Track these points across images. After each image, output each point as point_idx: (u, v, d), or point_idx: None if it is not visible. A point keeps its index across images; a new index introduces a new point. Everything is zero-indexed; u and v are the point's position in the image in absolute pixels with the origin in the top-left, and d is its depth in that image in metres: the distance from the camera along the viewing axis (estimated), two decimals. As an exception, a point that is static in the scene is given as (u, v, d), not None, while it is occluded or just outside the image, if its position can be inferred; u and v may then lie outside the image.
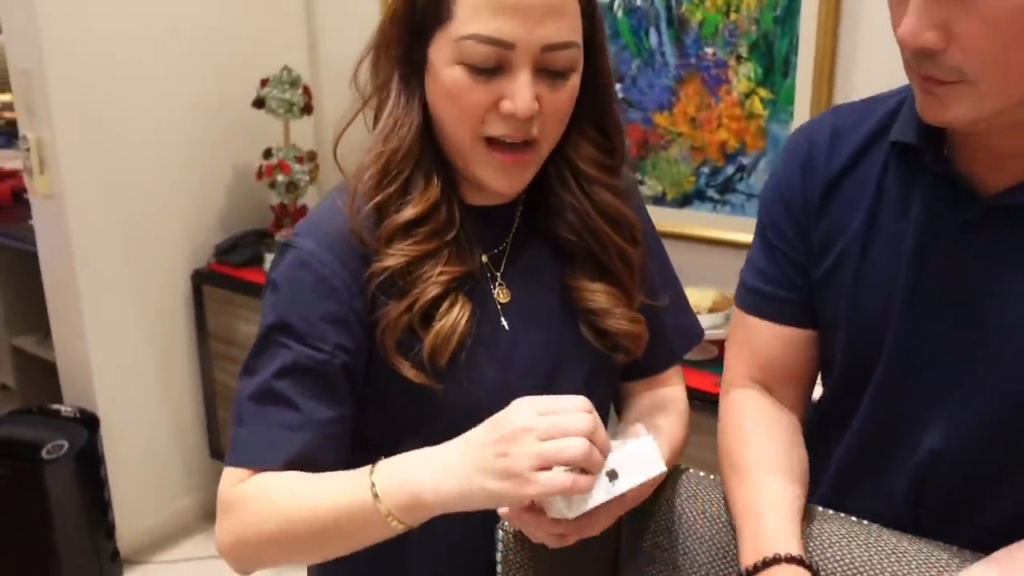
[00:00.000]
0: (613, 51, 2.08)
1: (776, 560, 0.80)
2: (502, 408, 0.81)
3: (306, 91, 2.44)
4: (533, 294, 0.95)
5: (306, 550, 0.83)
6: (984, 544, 0.80)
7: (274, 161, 2.45)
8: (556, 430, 0.72)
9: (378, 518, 0.77)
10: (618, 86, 2.09)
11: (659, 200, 2.11)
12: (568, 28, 0.82)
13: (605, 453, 0.75)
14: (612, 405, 1.08)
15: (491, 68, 0.81)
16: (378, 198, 0.87)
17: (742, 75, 1.92)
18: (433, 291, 0.86)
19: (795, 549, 0.81)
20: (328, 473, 0.83)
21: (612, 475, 0.76)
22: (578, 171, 0.92)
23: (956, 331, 0.82)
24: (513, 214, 0.96)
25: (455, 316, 0.87)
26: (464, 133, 0.85)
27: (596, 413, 0.75)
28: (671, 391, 1.04)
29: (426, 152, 0.88)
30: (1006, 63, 0.69)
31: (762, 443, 0.92)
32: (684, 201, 2.08)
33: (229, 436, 0.89)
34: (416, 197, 0.87)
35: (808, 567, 0.80)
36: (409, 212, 0.87)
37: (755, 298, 0.97)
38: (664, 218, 2.07)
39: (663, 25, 2.00)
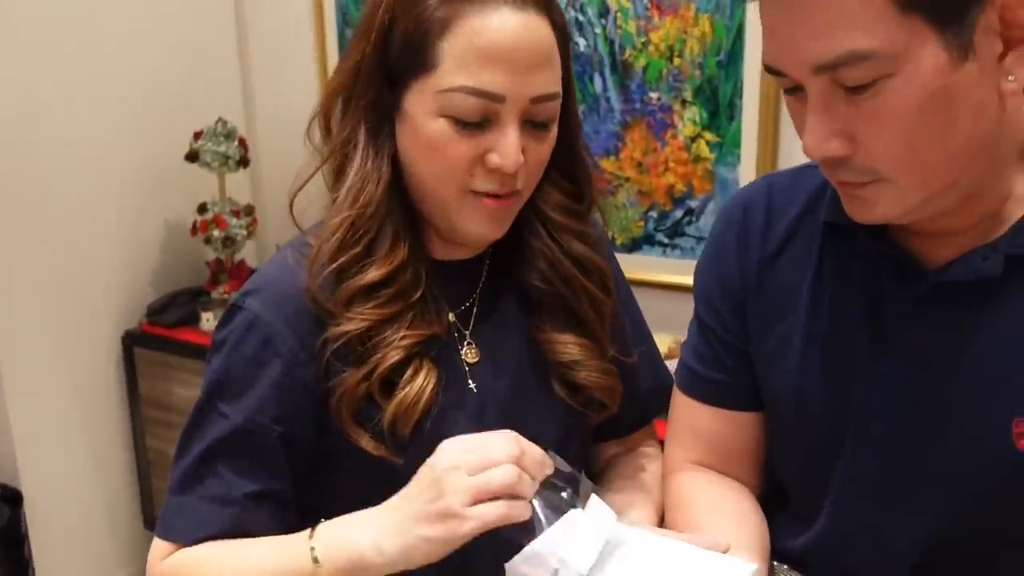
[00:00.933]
0: (557, 97, 2.06)
1: None
2: None
3: (242, 143, 2.37)
4: (502, 352, 0.90)
5: None
6: None
7: (209, 216, 2.36)
8: (483, 462, 0.70)
9: None
10: (563, 132, 2.08)
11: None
12: (554, 79, 0.81)
13: (535, 476, 0.71)
14: (585, 468, 1.02)
15: (478, 121, 0.78)
16: (341, 260, 0.82)
17: (687, 119, 1.92)
18: (395, 356, 0.82)
19: None
20: (265, 538, 0.80)
21: None
22: (547, 218, 0.89)
23: (918, 415, 0.78)
24: (480, 268, 0.92)
25: (420, 384, 0.82)
26: (448, 187, 0.81)
27: (523, 439, 0.72)
28: (647, 454, 0.99)
29: (394, 208, 0.84)
30: (915, 158, 0.68)
31: (717, 524, 0.85)
32: (633, 246, 2.05)
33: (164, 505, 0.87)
34: (380, 258, 0.83)
35: None
36: (372, 274, 0.82)
37: (691, 378, 0.93)
38: (615, 264, 2.05)
39: (607, 71, 1.99)
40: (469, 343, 0.89)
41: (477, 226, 0.83)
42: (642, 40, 1.93)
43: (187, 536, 0.82)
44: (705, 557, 0.74)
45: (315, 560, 0.75)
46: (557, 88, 0.81)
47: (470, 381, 0.88)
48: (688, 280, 1.91)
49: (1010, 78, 0.67)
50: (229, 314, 0.85)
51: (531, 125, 0.80)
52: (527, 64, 0.77)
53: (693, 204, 1.96)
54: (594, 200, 0.93)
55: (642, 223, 2.03)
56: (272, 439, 0.82)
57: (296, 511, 0.86)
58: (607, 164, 2.04)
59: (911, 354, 0.78)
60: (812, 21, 0.65)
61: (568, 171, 0.90)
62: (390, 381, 0.82)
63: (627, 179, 2.03)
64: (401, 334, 0.82)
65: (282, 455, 0.83)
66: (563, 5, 1.99)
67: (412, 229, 0.85)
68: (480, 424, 0.86)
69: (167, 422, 2.36)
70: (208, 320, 2.30)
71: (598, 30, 1.98)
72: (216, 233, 2.35)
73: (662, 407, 1.01)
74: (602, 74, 2.00)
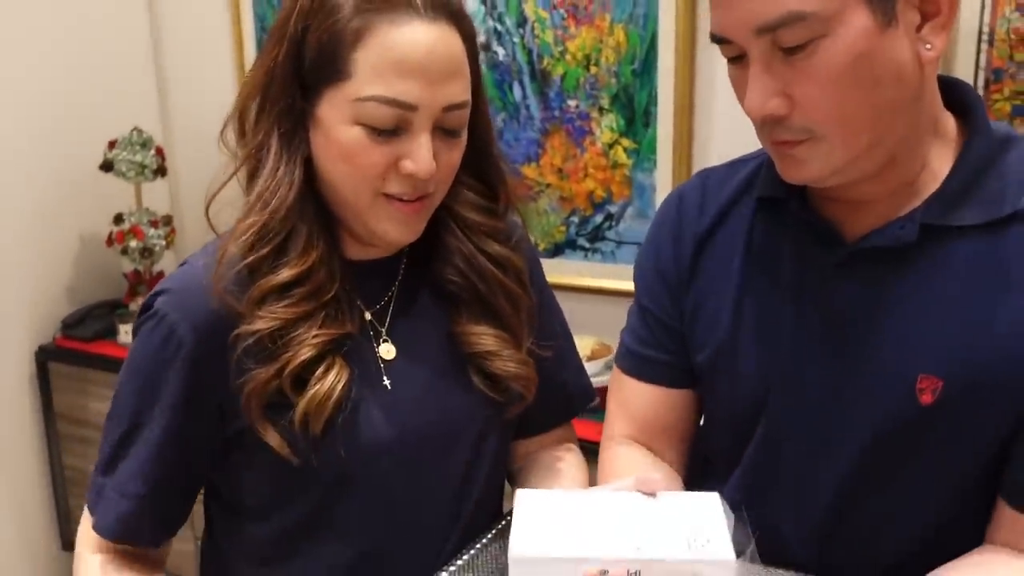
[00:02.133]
0: (478, 105, 2.09)
1: None
2: (379, 475, 0.84)
3: (159, 152, 2.34)
4: (420, 348, 0.92)
5: None
6: None
7: (126, 226, 2.32)
8: None
9: None
10: (484, 140, 2.10)
11: (531, 251, 2.11)
12: (464, 88, 0.84)
13: None
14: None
15: (392, 129, 0.81)
16: (250, 259, 0.83)
17: (605, 126, 1.97)
18: (306, 353, 0.83)
19: None
20: None
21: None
22: (462, 219, 0.92)
23: (835, 371, 0.85)
24: (397, 267, 0.94)
25: (331, 381, 0.83)
26: (361, 192, 0.83)
27: None
28: (567, 450, 1.02)
29: (307, 211, 0.85)
30: (844, 114, 0.75)
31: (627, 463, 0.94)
32: (556, 251, 2.09)
33: (81, 523, 0.92)
34: (294, 259, 0.84)
35: None
36: (285, 273, 0.84)
37: (631, 360, 1.00)
38: (537, 269, 2.08)
39: (526, 79, 2.03)
40: (385, 340, 0.91)
41: (391, 229, 0.85)
42: (559, 49, 1.97)
43: (105, 525, 0.88)
44: (666, 496, 0.75)
45: None
46: (467, 96, 0.84)
47: (385, 378, 0.89)
48: (609, 283, 1.99)
49: (927, 46, 0.76)
50: (141, 311, 0.88)
51: (442, 132, 0.83)
52: (439, 75, 0.80)
53: (612, 209, 2.01)
54: (509, 200, 0.96)
55: (564, 228, 2.07)
56: (172, 435, 0.85)
57: (232, 508, 0.91)
58: (528, 171, 2.08)
59: (831, 315, 0.84)
60: None
61: (482, 173, 0.94)
62: (301, 378, 0.83)
63: (548, 185, 2.07)
64: (313, 332, 0.84)
65: (182, 451, 0.87)
66: (482, 15, 2.02)
67: (326, 230, 0.87)
68: (393, 419, 0.88)
69: (84, 438, 2.31)
70: (126, 333, 2.25)
71: (516, 39, 2.01)
72: (133, 244, 2.31)
73: (581, 407, 1.05)
74: (521, 83, 2.04)
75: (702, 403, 1.00)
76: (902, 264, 0.82)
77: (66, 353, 2.29)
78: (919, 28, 0.76)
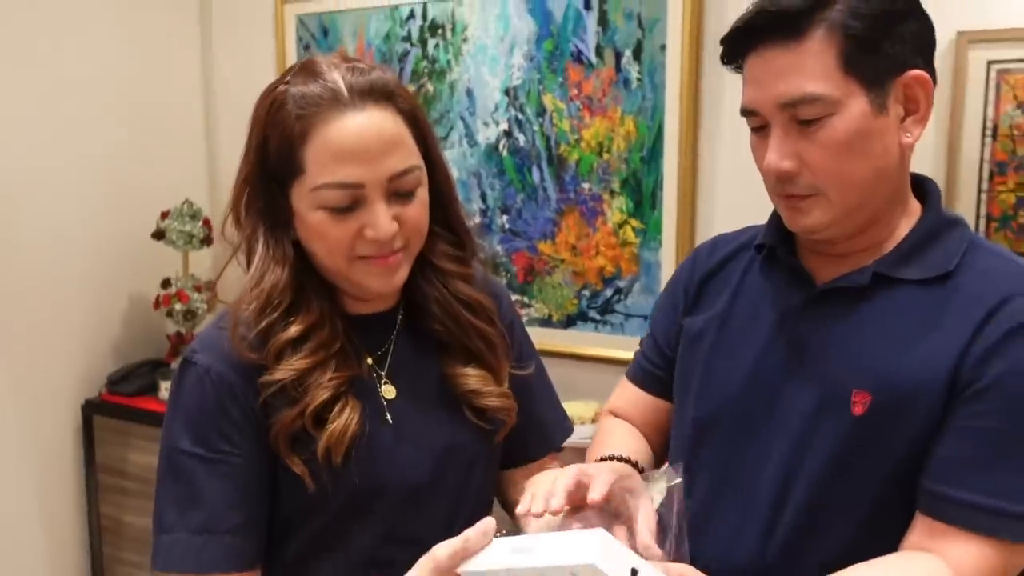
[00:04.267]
0: (499, 187, 2.26)
1: (609, 458, 1.07)
2: (383, 499, 0.96)
3: (206, 223, 2.51)
4: (418, 388, 1.05)
5: None
6: None
7: (172, 290, 2.48)
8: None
9: None
10: (505, 217, 2.27)
11: (545, 322, 2.25)
12: (406, 155, 0.95)
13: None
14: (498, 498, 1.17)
15: (348, 206, 0.93)
16: (263, 323, 0.97)
17: (615, 208, 2.12)
18: (323, 395, 0.96)
19: (624, 454, 1.08)
20: None
21: (634, 572, 0.77)
22: (435, 267, 1.05)
23: (787, 386, 1.01)
24: (394, 318, 1.08)
25: (346, 417, 0.96)
26: (339, 260, 0.96)
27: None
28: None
29: (305, 280, 0.99)
30: (842, 176, 0.95)
31: (618, 434, 1.18)
32: (568, 322, 2.23)
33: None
34: (300, 318, 0.97)
35: (634, 464, 1.05)
36: (293, 330, 0.97)
37: (634, 369, 1.25)
38: (551, 338, 2.21)
39: (544, 163, 2.20)
40: (386, 382, 1.04)
41: (372, 282, 0.98)
42: (575, 137, 2.15)
43: (183, 567, 0.93)
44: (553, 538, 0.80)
45: None
46: (412, 162, 0.95)
47: (387, 414, 1.02)
48: (618, 354, 2.12)
49: (907, 135, 0.97)
50: (182, 371, 0.99)
51: (398, 196, 0.95)
52: (376, 152, 0.92)
53: (621, 284, 2.15)
54: (475, 248, 1.09)
55: (576, 301, 2.21)
56: (246, 469, 0.95)
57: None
58: (544, 247, 2.23)
59: (795, 343, 1.02)
60: (784, 72, 0.94)
61: (448, 224, 1.07)
62: (321, 417, 0.96)
63: (562, 260, 2.21)
64: (327, 376, 0.96)
65: (256, 483, 0.96)
66: (505, 105, 2.20)
67: (326, 293, 1.01)
68: (397, 451, 1.01)
69: (122, 489, 2.43)
70: (166, 389, 2.39)
71: (536, 127, 2.19)
72: (178, 307, 2.47)
73: (562, 440, 1.21)
74: (540, 166, 2.21)
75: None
76: (855, 304, 0.99)
77: (111, 407, 2.44)
78: (903, 120, 0.96)
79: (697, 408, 1.10)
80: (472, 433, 1.06)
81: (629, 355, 1.28)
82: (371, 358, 1.04)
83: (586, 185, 2.15)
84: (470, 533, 0.78)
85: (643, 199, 2.09)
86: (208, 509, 0.94)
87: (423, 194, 0.98)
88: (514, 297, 2.28)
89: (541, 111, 2.18)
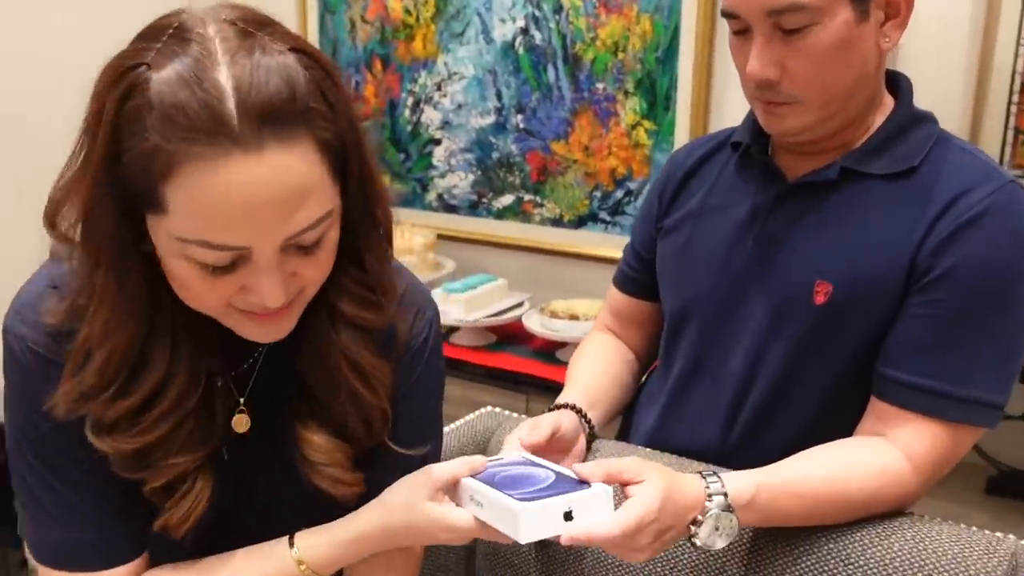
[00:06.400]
0: (515, 85, 2.26)
1: (559, 407, 1.11)
2: (202, 540, 0.82)
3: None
4: (273, 425, 0.84)
5: None
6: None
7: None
8: None
9: None
10: (519, 117, 2.27)
11: (556, 222, 2.29)
12: (318, 204, 0.68)
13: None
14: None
15: (226, 266, 0.68)
16: (101, 394, 0.74)
17: (629, 108, 2.12)
18: (164, 479, 0.77)
19: (574, 401, 1.12)
20: (235, 557, 0.83)
21: (568, 516, 0.77)
22: (329, 305, 0.79)
23: (754, 279, 1.06)
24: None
25: (190, 503, 0.78)
26: (207, 309, 0.73)
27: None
28: None
29: (152, 323, 0.74)
30: (824, 84, 0.97)
31: (591, 359, 1.23)
32: (579, 223, 2.26)
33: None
34: (141, 381, 0.74)
35: (579, 412, 1.10)
36: (133, 400, 0.74)
37: (618, 275, 1.30)
38: (561, 238, 2.26)
39: (559, 62, 2.19)
40: (241, 410, 0.83)
41: (251, 333, 0.75)
42: (591, 35, 2.13)
43: (79, 565, 0.80)
44: (579, 488, 0.82)
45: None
46: (322, 211, 0.69)
47: (226, 453, 0.83)
48: (625, 254, 2.14)
49: (886, 39, 0.99)
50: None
51: (297, 248, 0.70)
52: (271, 216, 0.65)
53: (632, 186, 2.17)
54: (393, 292, 0.83)
55: (587, 201, 2.24)
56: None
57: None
58: (558, 147, 2.25)
59: (764, 237, 1.06)
60: None
61: (361, 263, 0.79)
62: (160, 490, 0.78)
63: (575, 161, 2.23)
64: (170, 459, 0.76)
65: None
66: (521, 3, 2.18)
67: (188, 330, 0.76)
68: (225, 496, 0.82)
69: None
70: None
71: (552, 25, 2.18)
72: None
73: None
74: (555, 65, 2.20)
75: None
76: (824, 199, 1.03)
77: None
78: (882, 24, 0.98)
79: (672, 301, 1.16)
80: (311, 498, 0.84)
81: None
82: (230, 375, 0.83)
83: (600, 85, 2.15)
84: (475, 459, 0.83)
85: (657, 100, 2.08)
86: (69, 503, 0.79)
87: (333, 236, 0.73)
88: (526, 197, 2.32)
89: (558, 8, 2.16)
